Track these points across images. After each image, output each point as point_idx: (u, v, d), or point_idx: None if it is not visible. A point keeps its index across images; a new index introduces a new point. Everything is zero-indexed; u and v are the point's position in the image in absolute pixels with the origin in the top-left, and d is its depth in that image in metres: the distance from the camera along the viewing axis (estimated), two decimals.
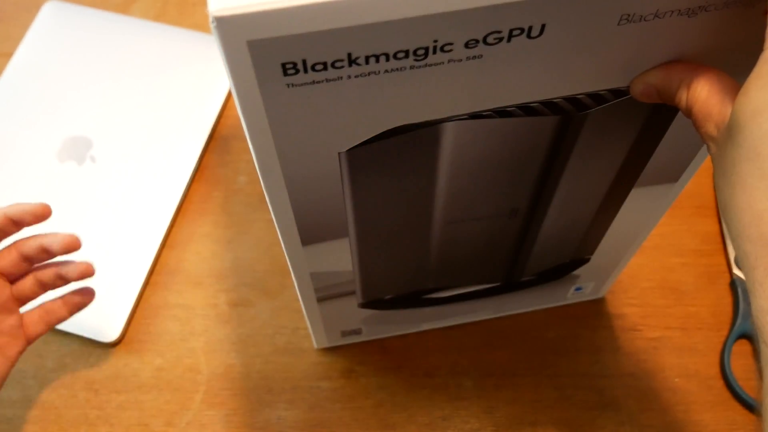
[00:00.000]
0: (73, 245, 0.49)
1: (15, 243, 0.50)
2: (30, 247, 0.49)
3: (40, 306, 0.52)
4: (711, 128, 0.30)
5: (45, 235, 0.49)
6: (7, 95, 0.68)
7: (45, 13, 0.71)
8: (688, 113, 0.32)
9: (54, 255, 0.50)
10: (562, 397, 0.57)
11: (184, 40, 0.70)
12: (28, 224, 0.49)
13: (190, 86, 0.68)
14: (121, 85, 0.68)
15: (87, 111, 0.67)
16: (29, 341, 0.51)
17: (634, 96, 0.35)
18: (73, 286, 0.51)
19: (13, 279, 0.50)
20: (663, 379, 0.57)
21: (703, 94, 0.31)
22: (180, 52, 0.69)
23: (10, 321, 0.50)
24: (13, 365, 0.50)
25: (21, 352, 0.50)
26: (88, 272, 0.50)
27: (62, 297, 0.52)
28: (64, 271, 0.50)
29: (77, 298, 0.52)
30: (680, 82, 0.32)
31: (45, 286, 0.51)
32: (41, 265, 0.51)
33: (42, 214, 0.49)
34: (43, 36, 0.70)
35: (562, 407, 0.57)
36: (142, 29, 0.71)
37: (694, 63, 0.33)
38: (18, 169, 0.64)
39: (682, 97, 0.32)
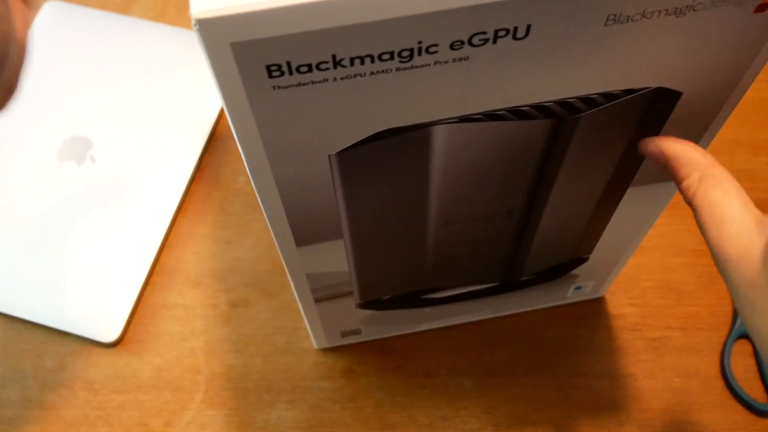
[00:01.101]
0: None
1: None
2: None
3: None
4: (731, 254, 0.31)
5: None
6: None
7: (45, 13, 0.72)
8: (694, 210, 0.33)
9: None
10: (562, 397, 0.57)
11: (184, 40, 0.70)
12: None
13: (190, 86, 0.68)
14: (121, 85, 0.68)
15: (87, 111, 0.67)
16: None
17: (641, 151, 0.35)
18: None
19: None
20: (663, 379, 0.57)
21: (717, 197, 0.32)
22: (180, 52, 0.69)
23: None
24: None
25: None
26: None
27: None
28: None
29: None
30: (692, 169, 0.33)
31: None
32: None
33: None
34: (43, 36, 0.70)
35: (562, 407, 0.56)
36: (142, 29, 0.71)
37: (711, 158, 0.34)
38: (18, 169, 0.64)
39: (691, 187, 0.33)
